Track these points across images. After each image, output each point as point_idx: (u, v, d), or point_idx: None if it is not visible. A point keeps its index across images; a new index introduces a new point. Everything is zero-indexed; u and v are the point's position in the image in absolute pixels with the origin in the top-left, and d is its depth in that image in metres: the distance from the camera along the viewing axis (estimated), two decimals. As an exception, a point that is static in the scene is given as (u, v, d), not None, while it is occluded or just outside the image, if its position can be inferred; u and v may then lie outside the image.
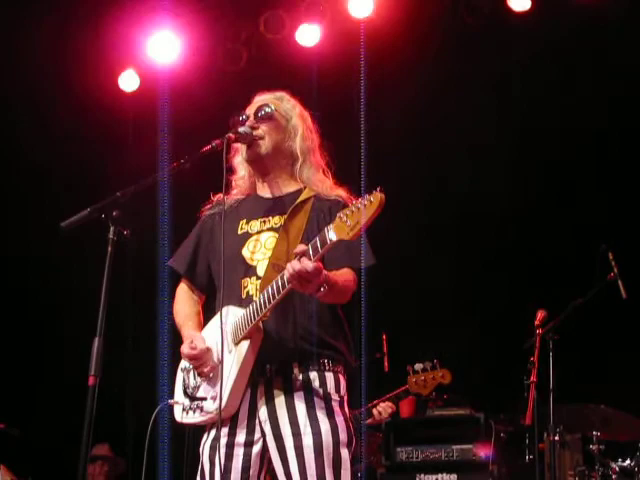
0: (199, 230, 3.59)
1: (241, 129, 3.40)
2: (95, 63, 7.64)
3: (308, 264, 2.94)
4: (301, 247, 3.00)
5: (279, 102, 3.54)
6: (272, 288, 3.11)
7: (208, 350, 3.28)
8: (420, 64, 7.18)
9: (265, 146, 3.44)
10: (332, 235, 2.91)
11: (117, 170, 7.10)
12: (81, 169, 7.65)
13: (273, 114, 3.46)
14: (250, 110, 3.52)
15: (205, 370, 3.28)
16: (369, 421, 5.95)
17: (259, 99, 3.57)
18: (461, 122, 7.28)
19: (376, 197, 2.84)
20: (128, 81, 7.84)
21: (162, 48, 7.69)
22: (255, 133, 3.43)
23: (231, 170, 3.58)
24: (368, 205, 2.84)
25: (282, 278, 3.07)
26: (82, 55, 7.55)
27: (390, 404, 5.97)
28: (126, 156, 7.42)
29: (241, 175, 3.57)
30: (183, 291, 3.62)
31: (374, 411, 5.97)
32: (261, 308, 3.14)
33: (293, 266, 2.97)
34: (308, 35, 7.47)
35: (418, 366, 5.61)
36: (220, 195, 3.47)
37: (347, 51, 7.31)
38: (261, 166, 3.49)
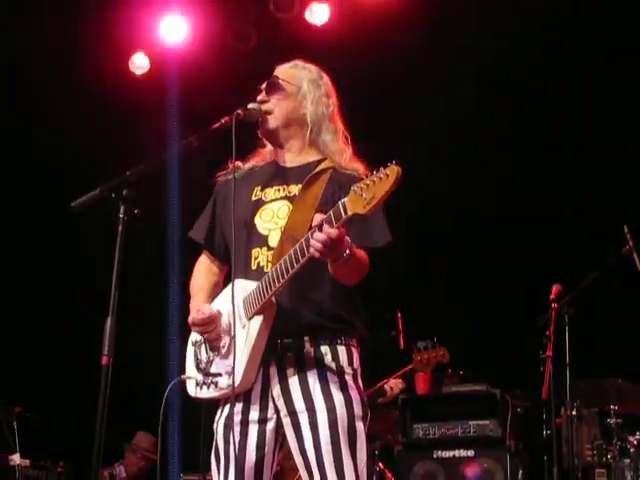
0: (214, 197, 3.55)
1: (250, 105, 3.37)
2: (105, 46, 7.64)
3: (331, 231, 2.88)
4: (318, 217, 2.95)
5: (292, 70, 3.47)
6: (286, 262, 3.06)
7: (218, 313, 3.25)
8: (432, 40, 7.14)
9: (273, 120, 3.39)
10: (347, 209, 2.86)
11: (127, 151, 7.10)
12: (92, 150, 7.65)
13: (280, 85, 3.41)
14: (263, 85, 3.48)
15: (217, 338, 3.25)
16: (381, 400, 5.96)
17: (277, 71, 3.50)
18: (475, 96, 7.25)
19: (392, 170, 2.78)
20: (138, 64, 7.83)
21: (172, 30, 7.68)
22: (264, 108, 3.39)
23: (262, 144, 3.54)
24: (384, 179, 2.78)
25: (296, 251, 3.02)
26: (92, 39, 7.54)
27: (400, 380, 5.98)
28: (136, 137, 7.43)
29: (268, 148, 3.53)
30: (201, 263, 3.58)
31: (386, 387, 5.99)
32: (274, 282, 3.10)
33: (316, 237, 2.90)
34: (318, 14, 7.45)
35: (421, 344, 5.65)
36: (238, 162, 3.44)
37: (356, 29, 7.30)
38: (275, 139, 3.45)
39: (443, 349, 5.58)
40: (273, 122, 3.39)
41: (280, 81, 3.42)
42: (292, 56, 3.60)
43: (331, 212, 2.92)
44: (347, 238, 2.97)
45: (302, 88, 3.42)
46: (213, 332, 3.26)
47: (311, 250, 2.95)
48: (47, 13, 7.30)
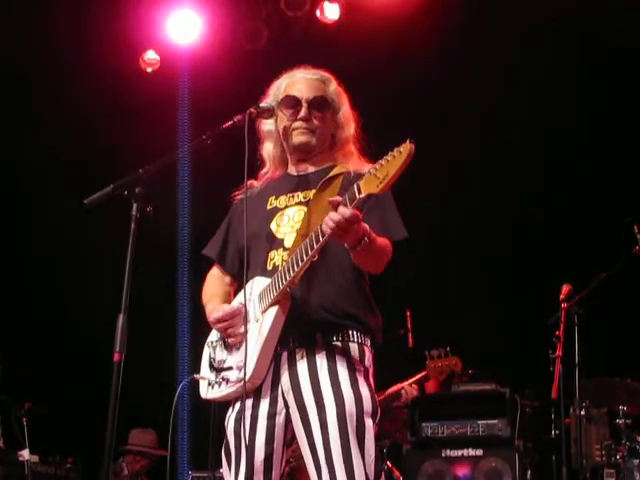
0: (230, 216, 3.57)
1: (262, 104, 3.37)
2: (116, 43, 7.65)
3: (345, 211, 2.91)
4: (336, 198, 2.97)
5: (326, 87, 3.46)
6: (301, 249, 3.08)
7: (238, 310, 3.26)
8: (443, 37, 7.14)
9: (316, 138, 3.40)
10: (361, 189, 2.89)
11: (138, 149, 7.12)
12: (103, 148, 7.67)
13: (327, 106, 3.40)
14: (301, 93, 3.41)
15: (236, 333, 3.25)
16: (396, 404, 5.96)
17: (302, 76, 3.47)
18: (484, 85, 7.25)
19: (405, 148, 2.80)
20: (149, 61, 7.84)
21: (182, 27, 7.70)
22: (308, 126, 3.38)
23: (259, 139, 3.55)
24: (397, 156, 2.81)
25: (312, 238, 3.04)
26: (103, 35, 7.56)
27: (416, 387, 5.99)
28: (147, 135, 7.44)
29: (270, 147, 3.53)
30: (214, 275, 3.61)
31: (402, 392, 6.00)
32: (288, 272, 3.12)
33: (331, 217, 2.92)
34: (329, 12, 7.45)
35: (434, 352, 5.67)
36: (252, 181, 3.46)
37: (368, 26, 7.29)
38: (306, 153, 3.45)
39: (456, 358, 5.61)
40: (314, 140, 3.40)
41: (327, 102, 3.41)
42: (303, 55, 3.60)
43: (346, 195, 2.95)
44: (365, 225, 2.99)
45: (341, 110, 3.44)
46: (233, 329, 3.26)
47: (324, 227, 2.97)
48: (58, 12, 7.32)
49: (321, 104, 3.41)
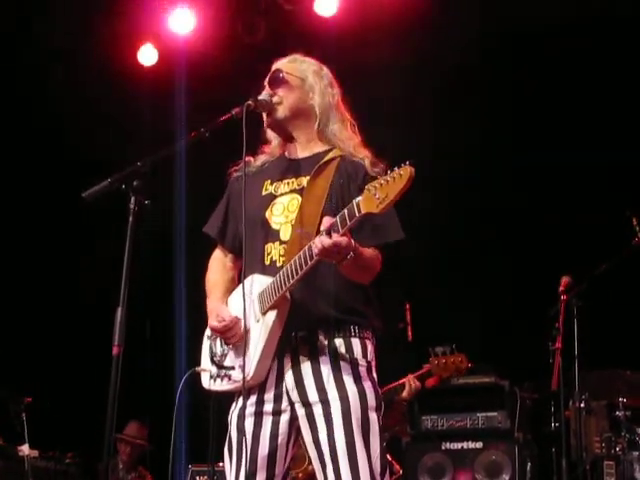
0: (228, 193, 3.58)
1: (260, 96, 3.39)
2: (114, 38, 7.64)
3: (337, 237, 2.93)
4: (328, 220, 2.98)
5: (292, 64, 3.50)
6: (300, 258, 3.09)
7: (237, 320, 3.27)
8: (440, 31, 7.13)
9: (282, 111, 3.41)
10: (360, 208, 2.89)
11: (136, 143, 7.11)
12: (101, 142, 7.67)
13: (284, 78, 3.43)
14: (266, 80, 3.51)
15: (234, 340, 3.28)
16: (398, 398, 5.96)
17: (274, 66, 3.53)
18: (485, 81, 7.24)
19: (405, 171, 2.82)
20: (147, 55, 7.83)
21: (180, 21, 7.68)
22: (273, 100, 3.41)
23: (266, 140, 3.57)
24: (397, 178, 2.82)
25: (309, 250, 3.05)
26: (101, 30, 7.55)
27: (417, 382, 5.99)
28: (145, 129, 7.44)
29: (274, 144, 3.56)
30: (215, 259, 3.60)
31: (405, 384, 5.99)
32: (288, 279, 3.13)
33: (323, 242, 2.95)
34: (326, 5, 7.43)
35: (439, 349, 5.64)
36: (248, 158, 3.46)
37: (365, 20, 7.28)
38: (282, 131, 3.48)
39: (462, 356, 5.54)
40: (281, 112, 3.41)
41: (284, 74, 3.44)
42: (300, 48, 3.61)
43: (345, 211, 2.96)
44: (351, 240, 3.00)
45: (307, 80, 3.45)
46: (232, 337, 3.28)
47: (315, 251, 2.99)
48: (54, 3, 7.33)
49: (276, 78, 3.44)
